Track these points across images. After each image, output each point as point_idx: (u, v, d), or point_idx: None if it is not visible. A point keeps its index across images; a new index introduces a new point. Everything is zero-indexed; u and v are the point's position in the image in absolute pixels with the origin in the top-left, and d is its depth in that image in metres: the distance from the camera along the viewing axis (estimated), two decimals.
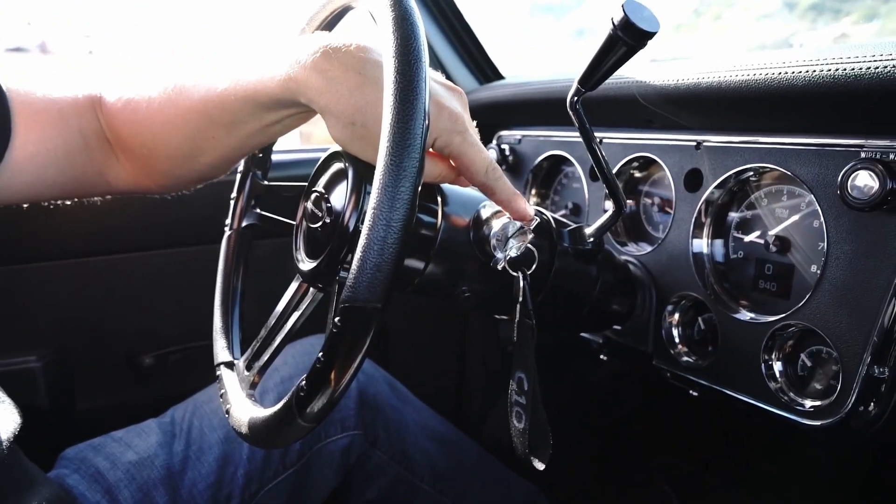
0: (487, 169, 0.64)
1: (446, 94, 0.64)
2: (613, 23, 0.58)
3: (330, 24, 0.75)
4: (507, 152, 1.14)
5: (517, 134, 1.14)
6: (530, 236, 0.69)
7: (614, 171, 0.94)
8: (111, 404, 1.15)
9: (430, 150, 0.64)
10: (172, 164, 0.76)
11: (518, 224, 0.68)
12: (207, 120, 0.69)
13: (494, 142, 1.17)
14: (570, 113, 0.67)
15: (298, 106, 0.63)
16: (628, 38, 0.58)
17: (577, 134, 0.70)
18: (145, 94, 0.74)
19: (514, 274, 0.69)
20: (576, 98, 0.67)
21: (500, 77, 1.32)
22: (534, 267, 0.71)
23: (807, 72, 0.62)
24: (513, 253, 0.68)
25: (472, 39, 1.28)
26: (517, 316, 0.69)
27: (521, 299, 0.69)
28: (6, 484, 0.68)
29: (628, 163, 0.93)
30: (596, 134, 0.96)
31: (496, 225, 0.69)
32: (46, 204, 0.81)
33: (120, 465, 0.87)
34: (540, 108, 1.07)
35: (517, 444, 0.69)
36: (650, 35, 0.58)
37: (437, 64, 1.27)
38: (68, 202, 0.85)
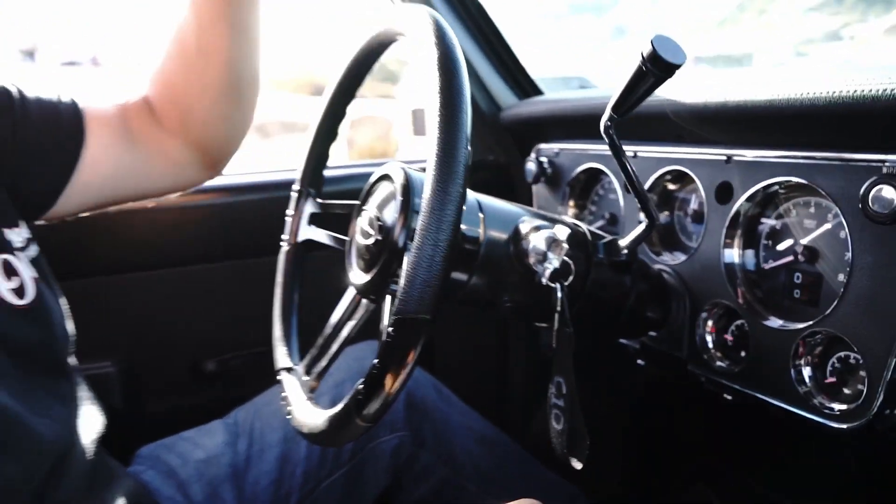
0: None
1: None
2: (643, 56, 0.63)
3: (379, 53, 0.81)
4: (546, 165, 1.19)
5: (555, 147, 1.18)
6: (566, 248, 0.73)
7: (649, 183, 0.98)
8: (178, 407, 1.23)
9: None
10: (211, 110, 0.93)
11: (554, 237, 0.73)
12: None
13: (533, 154, 1.22)
14: (604, 136, 0.72)
15: None
16: (656, 69, 0.63)
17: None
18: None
19: (553, 285, 0.74)
20: (609, 123, 0.71)
21: (540, 92, 1.36)
22: (571, 278, 0.75)
23: (827, 93, 0.66)
24: (551, 266, 0.72)
25: (512, 58, 1.34)
26: (556, 324, 0.74)
27: (559, 309, 0.74)
28: (95, 477, 0.76)
29: (662, 175, 0.96)
30: (631, 147, 1.00)
31: (534, 239, 0.74)
32: (119, 220, 0.92)
33: (190, 462, 0.94)
34: (577, 124, 1.11)
35: (556, 444, 0.74)
36: (677, 67, 0.62)
37: (479, 81, 1.32)
38: (144, 217, 0.95)
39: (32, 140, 0.81)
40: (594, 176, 1.14)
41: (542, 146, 1.21)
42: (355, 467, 1.01)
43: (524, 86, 1.34)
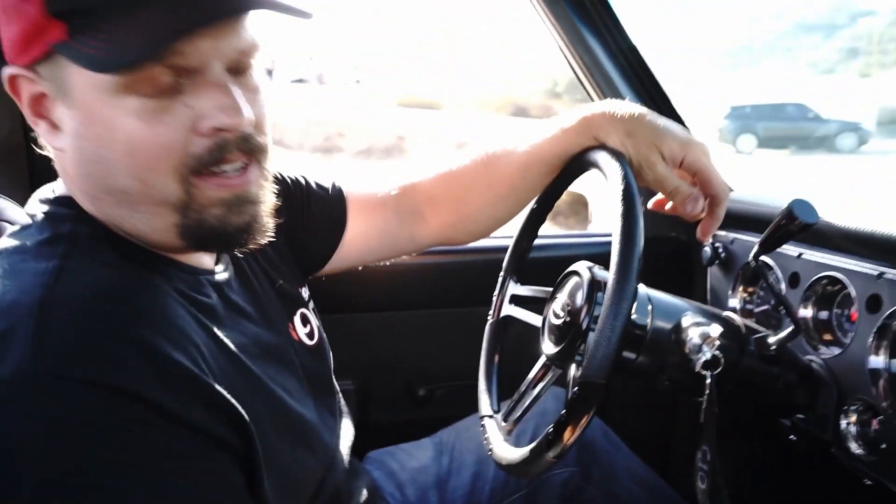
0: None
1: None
2: (782, 214, 0.80)
3: (577, 176, 1.03)
4: (721, 250, 1.34)
5: (730, 235, 1.33)
6: (718, 343, 0.91)
7: (810, 283, 1.10)
8: (394, 421, 1.54)
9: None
10: (479, 212, 1.13)
11: (708, 335, 0.91)
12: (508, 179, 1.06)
13: (710, 239, 1.37)
14: (753, 264, 0.89)
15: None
16: (793, 226, 0.80)
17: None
18: (458, 163, 1.12)
19: (705, 373, 0.91)
20: (758, 257, 0.88)
21: None
22: (721, 368, 0.92)
23: None
24: (704, 357, 0.90)
25: None
26: (704, 404, 0.92)
27: (707, 392, 0.91)
28: (349, 472, 1.04)
29: (821, 278, 1.09)
30: (797, 248, 1.14)
31: (692, 333, 0.92)
32: (362, 271, 1.22)
33: (406, 468, 1.22)
34: (748, 220, 1.26)
35: (700, 500, 0.92)
36: (810, 225, 0.79)
37: None
38: (380, 270, 1.24)
39: (312, 222, 1.11)
40: (763, 265, 1.27)
41: (719, 233, 1.36)
42: (531, 492, 1.20)
43: None
